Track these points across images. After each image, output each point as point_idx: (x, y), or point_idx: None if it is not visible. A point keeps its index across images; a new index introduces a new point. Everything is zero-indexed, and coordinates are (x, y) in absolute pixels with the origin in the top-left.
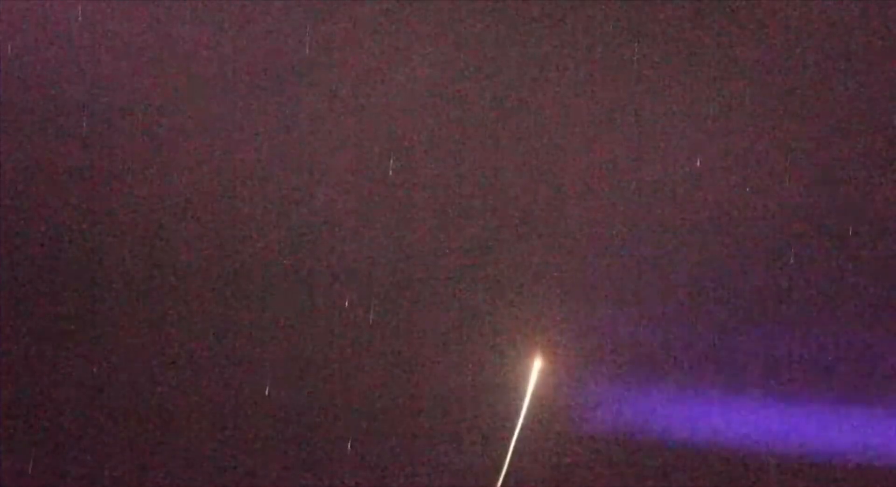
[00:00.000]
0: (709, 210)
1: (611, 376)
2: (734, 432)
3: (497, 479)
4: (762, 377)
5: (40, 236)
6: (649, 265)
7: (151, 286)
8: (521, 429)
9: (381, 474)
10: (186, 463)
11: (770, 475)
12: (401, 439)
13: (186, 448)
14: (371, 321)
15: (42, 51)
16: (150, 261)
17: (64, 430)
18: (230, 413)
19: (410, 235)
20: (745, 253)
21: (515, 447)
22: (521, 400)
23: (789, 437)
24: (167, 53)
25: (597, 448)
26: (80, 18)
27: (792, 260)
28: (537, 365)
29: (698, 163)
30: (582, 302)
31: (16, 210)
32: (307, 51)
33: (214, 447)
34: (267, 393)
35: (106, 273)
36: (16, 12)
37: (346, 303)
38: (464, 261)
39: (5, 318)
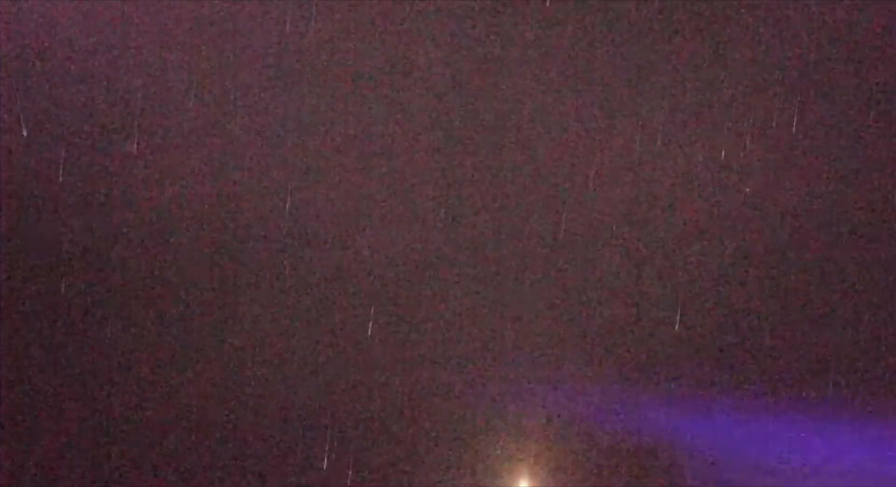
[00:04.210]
0: (708, 210)
1: (611, 376)
2: (735, 433)
3: (500, 480)
4: (762, 377)
5: (39, 236)
6: (649, 265)
7: (149, 285)
8: (522, 430)
9: (380, 474)
10: (185, 464)
11: (769, 476)
12: (400, 439)
13: (186, 449)
14: (370, 321)
15: (42, 51)
16: (148, 261)
17: (64, 430)
18: (229, 413)
19: (410, 235)
20: (745, 254)
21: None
22: (523, 400)
23: (788, 438)
24: (167, 53)
25: (596, 448)
26: (79, 18)
27: (792, 260)
28: (538, 366)
29: (698, 164)
30: (583, 302)
31: (15, 210)
32: (307, 51)
33: (213, 447)
34: (265, 392)
35: (104, 272)
36: (16, 12)
37: (346, 304)
38: (464, 261)
39: (5, 319)
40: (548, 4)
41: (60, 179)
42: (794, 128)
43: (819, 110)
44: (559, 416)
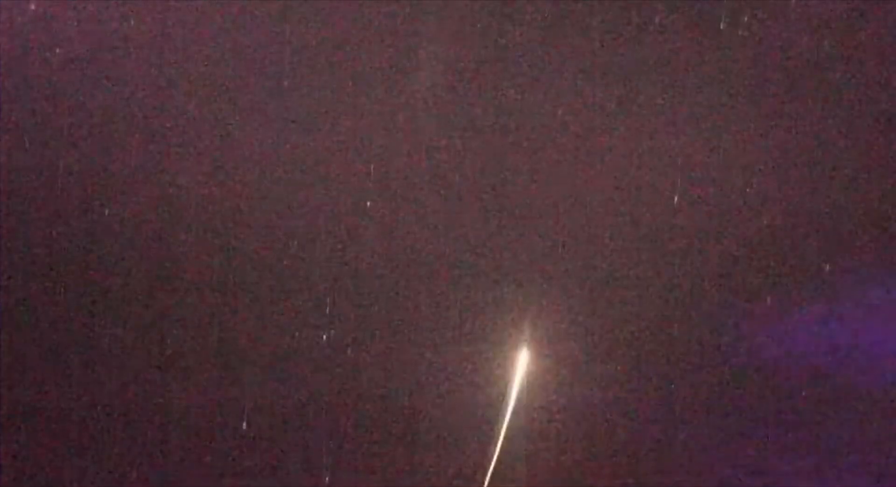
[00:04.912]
0: (708, 210)
1: (611, 376)
2: (732, 431)
3: (488, 478)
4: (760, 376)
5: (39, 236)
6: (649, 265)
7: (148, 285)
8: (517, 429)
9: (377, 474)
10: (185, 464)
11: (769, 474)
12: (398, 439)
13: (185, 449)
14: (369, 321)
15: (42, 51)
16: (148, 261)
17: (64, 431)
18: (228, 414)
19: (410, 235)
20: (745, 253)
21: (508, 447)
22: (521, 400)
23: (787, 436)
24: (167, 53)
25: (594, 448)
26: (80, 18)
27: (791, 260)
28: (536, 366)
29: (698, 164)
30: (581, 302)
31: (15, 211)
32: (307, 51)
33: (211, 447)
34: (264, 392)
35: (104, 272)
36: (16, 12)
37: (346, 304)
38: (463, 261)
39: (5, 320)
40: (548, 4)
41: (60, 179)
42: (794, 129)
43: (820, 110)
44: (559, 416)
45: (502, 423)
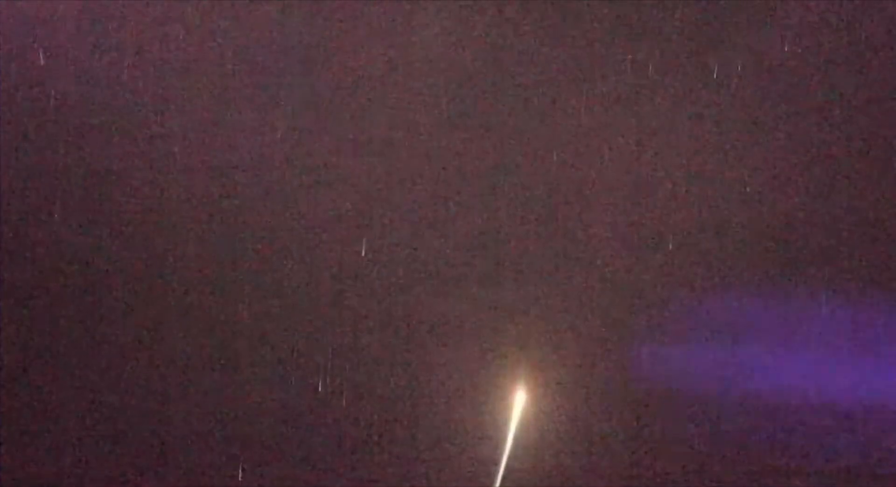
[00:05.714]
0: (708, 210)
1: (611, 377)
2: (732, 432)
3: (494, 480)
4: (760, 377)
5: (39, 236)
6: (648, 266)
7: (149, 285)
8: (516, 431)
9: (378, 475)
10: (186, 464)
11: (770, 476)
12: (398, 439)
13: (186, 449)
14: (369, 321)
15: (42, 51)
16: (148, 261)
17: (63, 431)
18: (228, 413)
19: (410, 235)
20: (745, 254)
21: (512, 448)
22: (520, 401)
23: (789, 440)
24: (167, 53)
25: (595, 449)
26: (79, 18)
27: (791, 262)
28: (535, 367)
29: (698, 164)
30: (581, 302)
31: (15, 210)
32: (307, 50)
33: (213, 447)
34: (264, 392)
35: (105, 272)
36: (16, 12)
37: (345, 304)
38: (463, 261)
39: (5, 318)
40: (548, 4)
41: (60, 179)
42: (794, 128)
43: (820, 110)
44: (559, 417)
45: (506, 427)
